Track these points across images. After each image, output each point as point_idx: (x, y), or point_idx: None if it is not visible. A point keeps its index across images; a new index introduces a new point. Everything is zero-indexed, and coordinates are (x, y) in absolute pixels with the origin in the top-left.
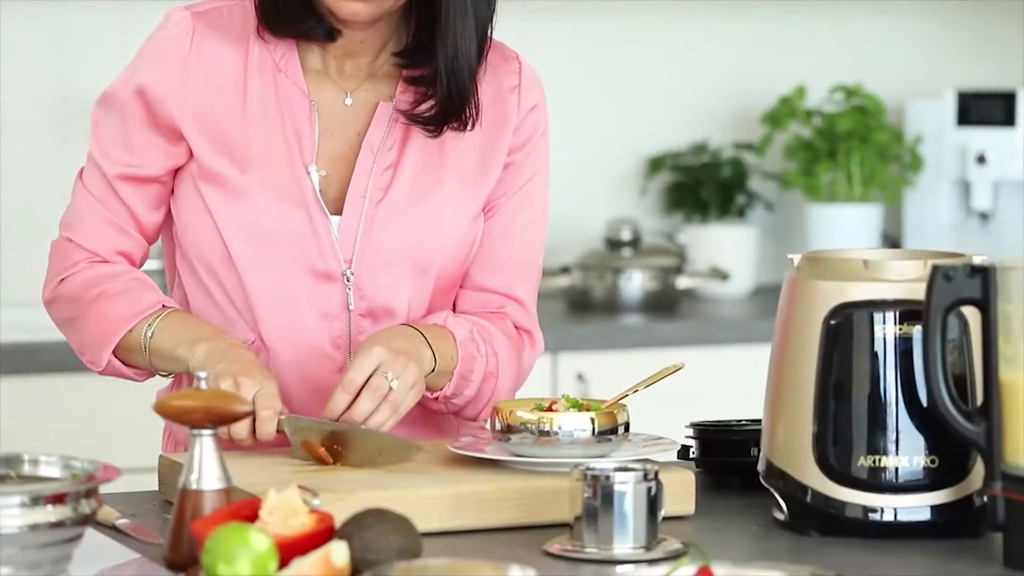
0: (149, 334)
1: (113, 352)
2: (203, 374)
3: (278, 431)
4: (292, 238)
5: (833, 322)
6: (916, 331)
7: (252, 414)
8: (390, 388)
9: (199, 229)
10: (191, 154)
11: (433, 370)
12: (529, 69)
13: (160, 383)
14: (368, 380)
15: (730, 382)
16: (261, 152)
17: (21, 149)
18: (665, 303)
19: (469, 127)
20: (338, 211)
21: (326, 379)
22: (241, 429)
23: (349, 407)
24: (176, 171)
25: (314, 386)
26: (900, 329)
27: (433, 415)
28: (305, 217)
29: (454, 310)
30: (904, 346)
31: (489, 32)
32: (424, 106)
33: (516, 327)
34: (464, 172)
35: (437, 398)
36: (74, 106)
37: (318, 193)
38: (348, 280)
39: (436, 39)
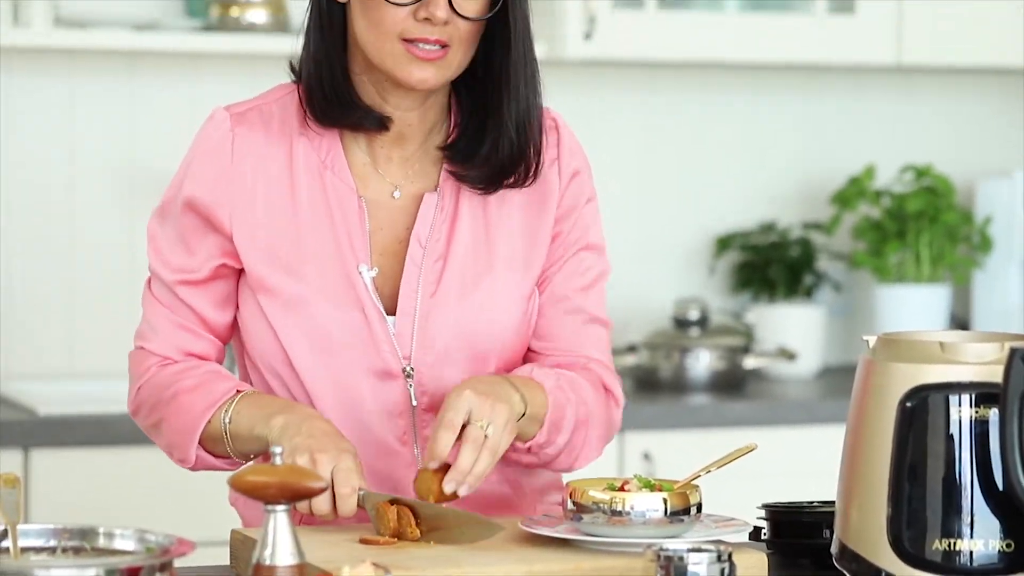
0: (227, 420)
1: (201, 446)
2: (278, 449)
3: (359, 507)
4: (351, 340)
5: (909, 404)
6: (992, 414)
7: (327, 490)
8: (486, 436)
9: (260, 335)
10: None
11: (524, 414)
12: (568, 135)
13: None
14: (463, 432)
15: (797, 463)
16: (313, 255)
17: (92, 218)
18: (732, 383)
19: (529, 182)
20: (392, 307)
21: (396, 475)
22: (322, 504)
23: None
24: (239, 271)
25: (385, 483)
26: (976, 412)
27: (508, 495)
28: (361, 319)
29: None
30: (980, 429)
31: (540, 93)
32: (478, 168)
33: (605, 387)
34: (512, 254)
35: (530, 448)
36: (142, 179)
37: (372, 293)
38: (409, 376)
39: (503, 93)
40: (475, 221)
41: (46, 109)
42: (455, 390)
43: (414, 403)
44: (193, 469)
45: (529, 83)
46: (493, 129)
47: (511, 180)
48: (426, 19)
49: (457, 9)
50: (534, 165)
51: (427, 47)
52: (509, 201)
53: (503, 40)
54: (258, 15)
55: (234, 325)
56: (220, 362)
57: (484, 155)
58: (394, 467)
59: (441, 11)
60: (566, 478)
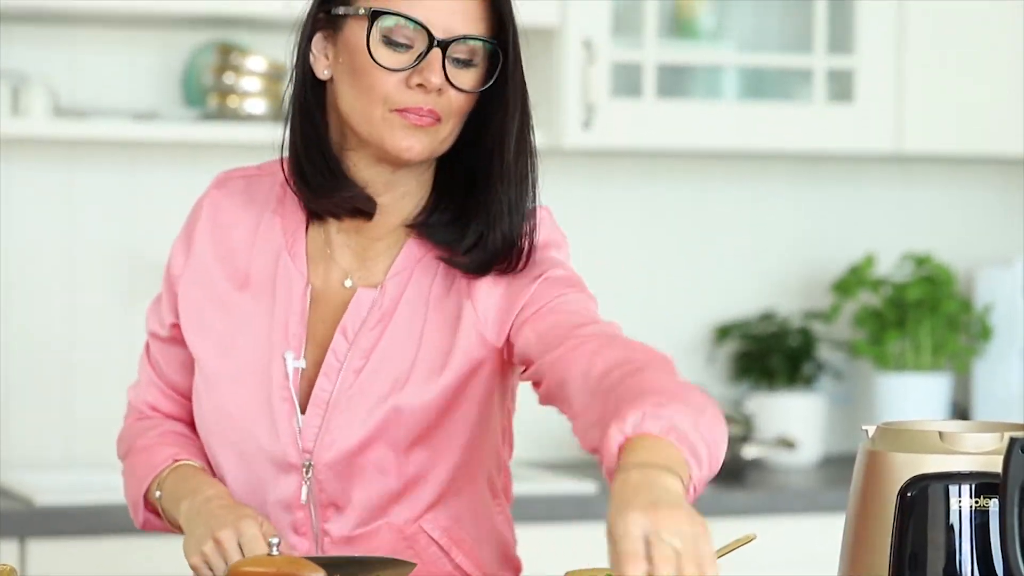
0: (158, 494)
1: (150, 510)
2: (275, 540)
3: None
4: (252, 426)
5: (908, 494)
6: (992, 504)
7: None
8: (674, 549)
9: (195, 404)
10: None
11: (685, 482)
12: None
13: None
14: (651, 555)
15: (798, 552)
16: (245, 334)
17: (91, 308)
18: (732, 472)
19: (520, 267)
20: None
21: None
22: None
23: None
24: None
25: None
26: (976, 502)
27: None
28: (267, 407)
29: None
30: (980, 519)
31: (535, 170)
32: (471, 252)
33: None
34: (440, 352)
35: (693, 488)
36: (141, 268)
37: (289, 383)
38: (308, 470)
39: (495, 175)
40: (414, 317)
41: (45, 198)
42: (618, 516)
43: (303, 500)
44: (144, 528)
45: (523, 162)
46: (483, 213)
47: (503, 266)
48: (419, 85)
49: (451, 79)
50: (525, 251)
51: (417, 117)
52: (456, 291)
53: (499, 115)
54: (256, 105)
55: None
56: (191, 425)
57: (471, 242)
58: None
59: (436, 76)
60: (565, 567)
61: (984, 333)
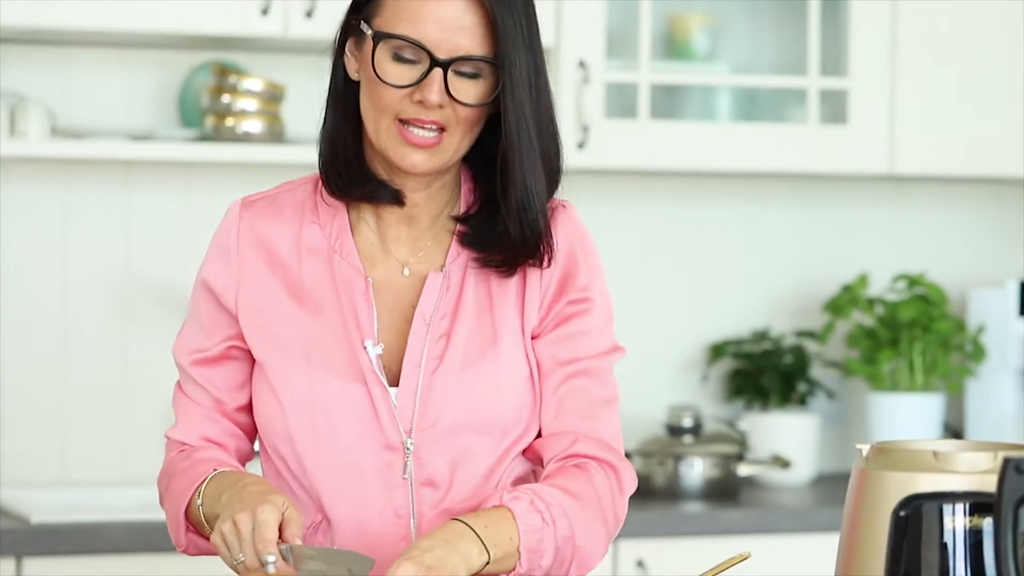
0: (200, 502)
1: (193, 529)
2: (271, 558)
3: (283, 559)
4: (353, 413)
5: (902, 513)
6: (987, 523)
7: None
8: None
9: (266, 411)
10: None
11: (488, 562)
12: (563, 225)
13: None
14: None
15: (792, 571)
16: (319, 336)
17: (87, 327)
18: (726, 490)
19: (546, 264)
20: (397, 383)
21: (390, 548)
22: (251, 561)
23: None
24: (251, 355)
25: (379, 556)
26: (970, 521)
27: None
28: (364, 392)
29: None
30: (974, 539)
31: (557, 173)
32: (493, 252)
33: (607, 464)
34: (515, 322)
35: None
36: (137, 288)
37: (376, 368)
38: (408, 450)
39: (503, 181)
40: (479, 296)
41: (42, 218)
42: (399, 561)
43: (406, 476)
44: (187, 553)
45: (530, 170)
46: (502, 212)
47: (530, 262)
48: (420, 102)
49: (453, 94)
50: (548, 249)
51: (421, 132)
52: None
53: (506, 128)
54: (253, 125)
55: (252, 411)
56: (243, 450)
57: (495, 239)
58: (388, 541)
59: (434, 95)
60: None
61: (977, 353)
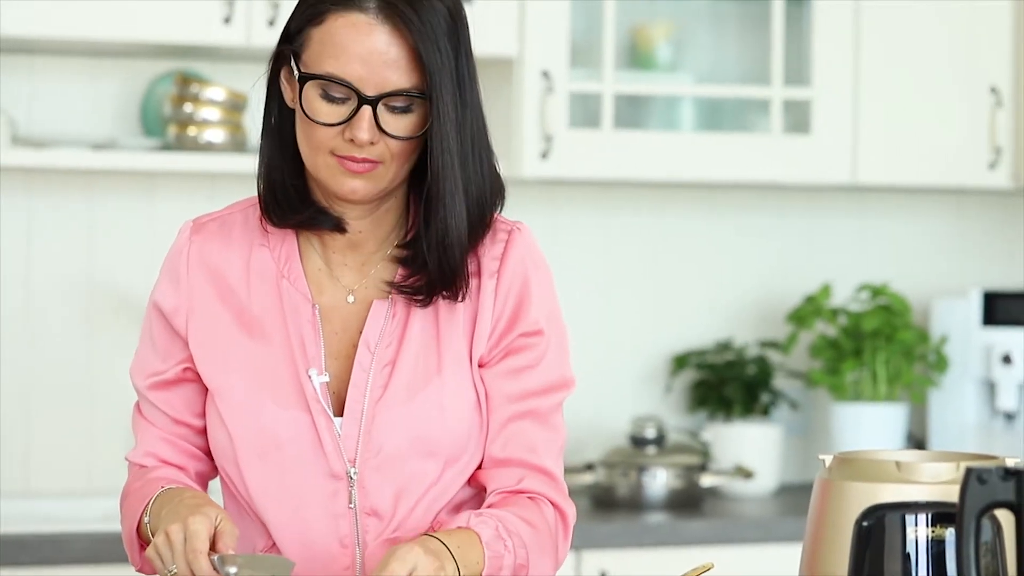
0: (147, 520)
1: (144, 547)
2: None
3: (214, 570)
4: (297, 441)
5: (865, 524)
6: (949, 534)
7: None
8: None
9: (216, 437)
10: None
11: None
12: (517, 249)
13: None
14: None
15: None
16: (265, 361)
17: (49, 337)
18: (689, 501)
19: (460, 299)
20: (342, 410)
21: None
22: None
23: None
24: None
25: None
26: (933, 531)
27: None
28: (308, 420)
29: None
30: (937, 548)
31: (487, 208)
32: (414, 279)
33: (555, 505)
34: (461, 350)
35: None
36: (100, 297)
37: (320, 397)
38: (352, 479)
39: (426, 214)
40: (426, 323)
41: (4, 227)
42: (404, 544)
43: (352, 505)
44: (143, 572)
45: (451, 205)
46: (422, 245)
47: (444, 295)
48: (351, 139)
49: (384, 128)
50: (463, 285)
51: (356, 163)
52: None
53: (433, 158)
54: (215, 134)
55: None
56: (203, 471)
57: (416, 268)
58: (334, 569)
59: (364, 133)
60: None
61: (940, 363)
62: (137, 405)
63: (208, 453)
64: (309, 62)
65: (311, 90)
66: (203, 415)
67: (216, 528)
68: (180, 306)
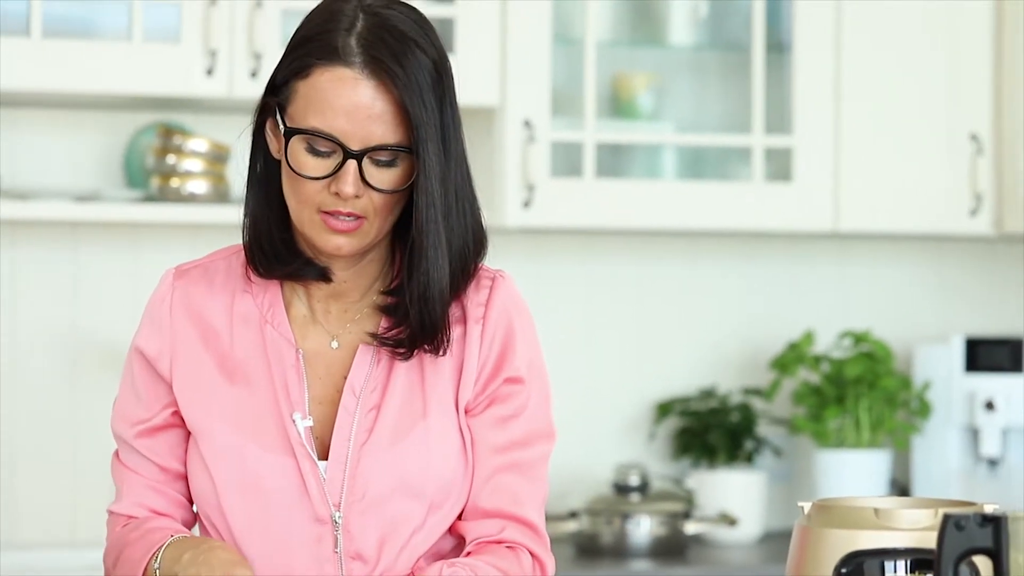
0: (157, 566)
1: None
2: None
3: None
4: (282, 485)
5: (844, 571)
6: None
7: None
8: None
9: (198, 481)
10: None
11: None
12: (501, 297)
13: None
14: None
15: None
16: (249, 405)
17: (33, 388)
18: (673, 548)
19: (441, 352)
20: (326, 454)
21: None
22: None
23: None
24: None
25: None
26: None
27: None
28: (293, 464)
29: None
30: None
31: (469, 261)
32: (396, 331)
33: (535, 556)
34: (446, 395)
35: None
36: (85, 349)
37: (304, 441)
38: (337, 524)
39: (409, 267)
40: (411, 369)
41: None
42: None
43: (337, 550)
44: None
45: (433, 260)
46: (404, 298)
47: (426, 348)
48: (336, 193)
49: (369, 181)
50: (445, 339)
51: (342, 219)
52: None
53: (418, 211)
54: (198, 185)
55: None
56: (188, 520)
57: (398, 321)
58: None
59: (349, 187)
60: None
61: (923, 410)
62: (116, 454)
63: (191, 500)
64: (295, 115)
65: (297, 144)
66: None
67: None
68: (164, 351)
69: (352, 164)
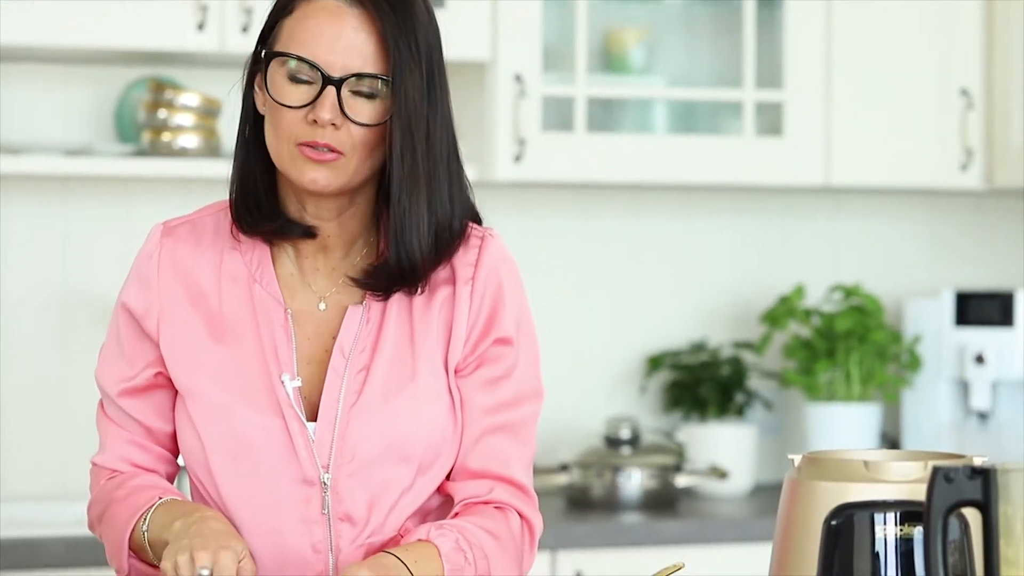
0: (145, 528)
1: (134, 554)
2: (204, 572)
3: None
4: (270, 446)
5: (834, 523)
6: (917, 532)
7: None
8: None
9: (187, 441)
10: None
11: None
12: (491, 256)
13: None
14: None
15: None
16: (238, 365)
17: (23, 342)
18: (664, 501)
19: (419, 292)
20: (315, 415)
21: None
22: None
23: None
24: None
25: None
26: (901, 530)
27: None
28: (281, 425)
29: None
30: (905, 547)
31: (453, 220)
32: (374, 272)
33: (522, 516)
34: (434, 355)
35: None
36: (75, 303)
37: (293, 402)
38: (325, 485)
39: (386, 203)
40: (400, 329)
41: None
42: (351, 567)
43: (325, 511)
44: None
45: (409, 194)
46: (381, 234)
47: (405, 288)
48: (314, 121)
49: (347, 112)
50: (422, 276)
51: (318, 151)
52: (433, 300)
53: (394, 146)
54: (189, 140)
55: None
56: (171, 474)
57: (371, 262)
58: (307, 575)
59: (326, 113)
60: None
61: (913, 363)
62: (101, 405)
63: (176, 455)
64: (278, 47)
65: (277, 73)
66: (173, 420)
67: (239, 564)
68: (151, 309)
69: (331, 91)
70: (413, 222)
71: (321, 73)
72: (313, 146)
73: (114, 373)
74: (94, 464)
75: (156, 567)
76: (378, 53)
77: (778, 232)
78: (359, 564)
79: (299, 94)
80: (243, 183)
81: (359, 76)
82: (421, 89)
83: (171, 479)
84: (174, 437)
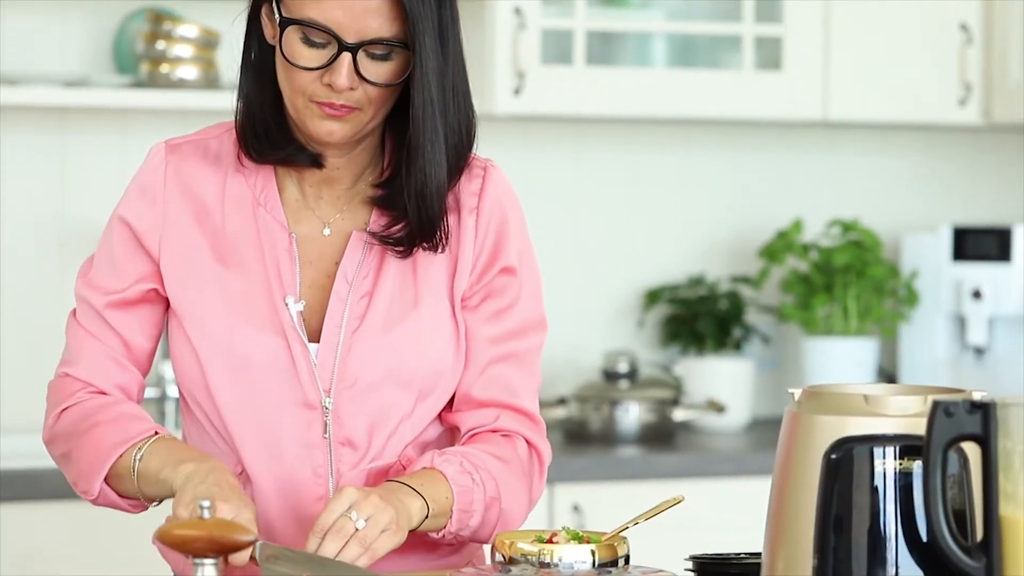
0: (138, 457)
1: (106, 481)
2: (206, 503)
3: (252, 558)
4: (272, 367)
5: (833, 456)
6: (916, 466)
7: (254, 543)
8: (356, 528)
9: (184, 361)
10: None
11: (427, 516)
12: (495, 186)
13: (158, 514)
14: (335, 522)
15: (726, 515)
16: (240, 286)
17: (20, 274)
18: (661, 435)
19: (440, 249)
20: (317, 339)
21: (308, 508)
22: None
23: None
24: (166, 300)
25: (297, 515)
26: (900, 464)
27: (434, 544)
28: (284, 346)
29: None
30: (904, 481)
31: (463, 157)
32: (395, 228)
33: (530, 443)
34: (439, 283)
35: (443, 536)
36: (72, 235)
37: (296, 324)
38: (327, 410)
39: (407, 163)
40: (405, 262)
41: None
42: (339, 488)
43: (327, 435)
44: (95, 503)
45: (431, 157)
46: (403, 194)
47: (424, 246)
48: (329, 84)
49: (363, 73)
50: (443, 236)
51: (334, 108)
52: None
53: (413, 106)
54: (188, 71)
55: (153, 356)
56: (140, 395)
57: (396, 219)
58: (307, 499)
59: (342, 79)
60: None
61: (911, 298)
62: (75, 314)
63: (144, 376)
64: (291, 5)
65: (292, 34)
66: (154, 337)
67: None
68: (155, 226)
69: (346, 57)
70: (434, 184)
71: (337, 40)
72: (330, 106)
73: (102, 285)
74: (67, 375)
75: (129, 497)
76: (392, 14)
77: (776, 167)
78: (356, 488)
79: (313, 56)
80: (251, 110)
81: (374, 42)
82: (436, 43)
83: (139, 402)
84: (150, 356)
